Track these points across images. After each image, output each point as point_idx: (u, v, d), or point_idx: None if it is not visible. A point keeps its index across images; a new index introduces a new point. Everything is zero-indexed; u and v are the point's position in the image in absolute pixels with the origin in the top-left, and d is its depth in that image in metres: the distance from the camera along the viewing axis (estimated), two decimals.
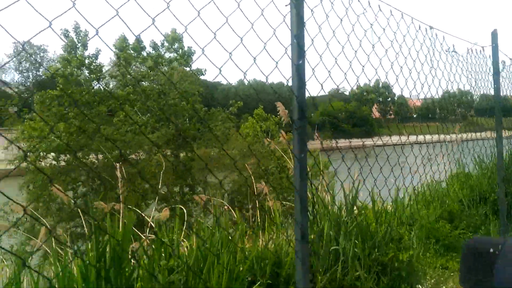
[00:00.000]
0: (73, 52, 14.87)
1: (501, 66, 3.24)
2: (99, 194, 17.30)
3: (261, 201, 5.33)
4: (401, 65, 3.51)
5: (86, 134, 15.82)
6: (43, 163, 16.26)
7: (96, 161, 17.26)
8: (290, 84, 2.37)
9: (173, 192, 19.01)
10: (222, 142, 21.08)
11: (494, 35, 2.90)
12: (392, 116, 77.17)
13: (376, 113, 75.74)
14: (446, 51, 2.75)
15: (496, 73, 3.01)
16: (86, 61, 15.48)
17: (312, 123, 73.81)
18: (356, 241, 3.46)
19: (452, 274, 4.02)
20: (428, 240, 4.54)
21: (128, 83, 17.45)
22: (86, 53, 15.54)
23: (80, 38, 15.32)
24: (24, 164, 15.89)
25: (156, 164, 16.78)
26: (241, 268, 2.65)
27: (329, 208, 3.66)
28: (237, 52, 2.03)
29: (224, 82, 66.99)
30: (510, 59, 3.73)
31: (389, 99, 76.22)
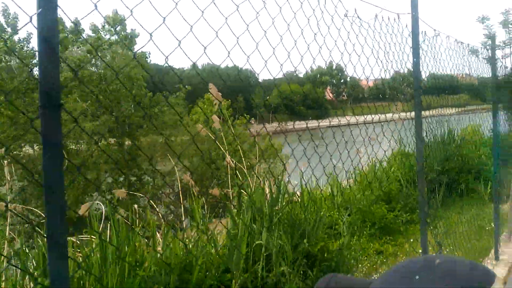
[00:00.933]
0: (1, 37, 13.58)
1: (421, 38, 2.95)
2: (37, 188, 16.27)
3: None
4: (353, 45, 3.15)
5: (19, 125, 14.69)
6: None
7: (33, 153, 16.16)
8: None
9: (118, 183, 18.19)
10: (171, 129, 20.42)
11: (414, 3, 2.59)
12: (345, 98, 78.68)
13: (329, 95, 76.89)
14: (345, 15, 2.38)
15: (416, 47, 2.72)
16: (17, 46, 14.19)
17: (268, 106, 74.06)
18: (281, 233, 3.15)
19: (385, 260, 3.83)
20: (364, 224, 4.35)
21: (65, 68, 16.29)
22: (17, 38, 14.24)
23: (8, 21, 14.02)
24: None
25: (97, 154, 15.92)
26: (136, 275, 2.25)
27: (254, 198, 3.33)
28: (189, 36, 1.83)
29: (176, 66, 65.38)
30: (434, 30, 3.46)
31: (342, 80, 77.53)
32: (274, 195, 3.25)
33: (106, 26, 17.40)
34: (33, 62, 14.71)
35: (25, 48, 14.50)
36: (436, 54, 3.95)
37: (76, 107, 16.58)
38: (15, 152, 15.07)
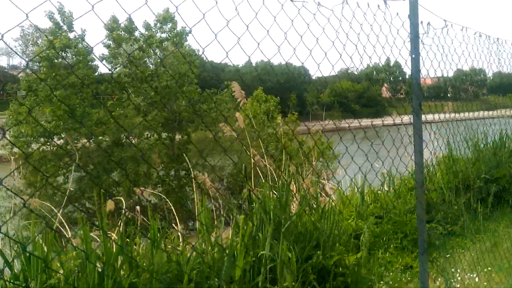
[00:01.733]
0: (57, 34, 14.33)
1: (422, 29, 2.54)
2: (93, 178, 17.04)
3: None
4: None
5: (75, 118, 15.42)
6: (34, 147, 15.98)
7: (89, 146, 16.93)
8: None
9: (169, 176, 18.62)
10: (220, 124, 20.48)
11: None
12: (403, 96, 75.68)
13: (386, 93, 74.33)
14: None
15: (415, 38, 2.31)
16: (73, 43, 14.91)
17: (322, 104, 72.96)
18: (289, 242, 2.93)
19: (411, 277, 3.47)
20: (395, 235, 3.99)
21: (119, 65, 16.92)
22: (72, 35, 14.96)
23: (65, 19, 14.74)
24: (16, 150, 15.64)
25: (148, 147, 16.36)
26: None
27: (267, 205, 3.12)
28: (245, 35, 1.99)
29: (230, 63, 66.25)
30: (444, 20, 2.94)
31: (400, 78, 74.60)
32: (284, 199, 3.03)
33: (158, 24, 17.81)
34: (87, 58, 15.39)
35: (80, 45, 15.19)
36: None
37: (130, 103, 17.17)
38: (73, 145, 15.84)
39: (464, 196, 4.82)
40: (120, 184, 16.66)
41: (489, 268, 3.33)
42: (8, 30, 1.90)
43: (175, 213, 4.41)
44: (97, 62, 16.36)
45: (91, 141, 16.72)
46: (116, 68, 16.73)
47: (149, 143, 16.42)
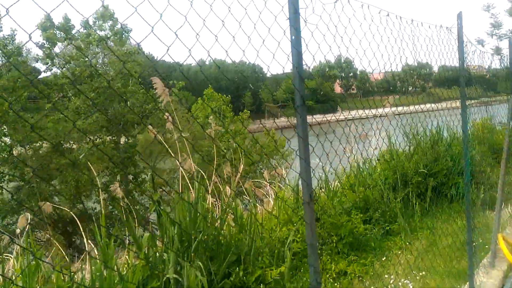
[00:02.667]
0: None
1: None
2: (32, 187, 15.92)
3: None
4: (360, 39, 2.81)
5: (8, 124, 14.28)
6: None
7: (25, 153, 15.77)
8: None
9: (113, 182, 17.74)
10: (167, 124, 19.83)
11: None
12: (354, 91, 77.51)
13: (338, 89, 75.84)
14: None
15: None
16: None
17: (276, 101, 73.36)
18: (205, 260, 2.55)
19: (350, 283, 3.19)
20: (330, 239, 3.71)
21: (56, 65, 15.86)
22: (0, 34, 13.80)
23: None
24: None
25: (90, 153, 15.45)
26: None
27: (178, 215, 2.72)
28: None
29: (185, 63, 65.01)
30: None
31: (351, 74, 76.36)
32: (192, 212, 2.64)
33: (98, 22, 16.89)
34: (18, 59, 14.28)
35: (10, 46, 14.06)
36: None
37: (68, 105, 16.18)
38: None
39: (403, 191, 4.64)
40: (60, 193, 15.67)
41: (424, 273, 3.10)
42: None
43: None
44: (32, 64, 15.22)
45: (26, 147, 15.57)
46: (51, 69, 15.67)
47: (89, 148, 15.51)
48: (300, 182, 4.90)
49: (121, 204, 4.31)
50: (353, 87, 75.95)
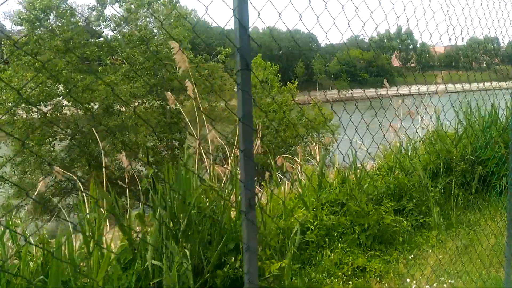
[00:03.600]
0: None
1: None
2: (81, 147, 16.53)
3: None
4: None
5: (61, 83, 14.75)
6: (20, 115, 15.44)
7: (76, 113, 16.35)
8: None
9: (158, 146, 18.08)
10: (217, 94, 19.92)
11: None
12: (413, 65, 73.61)
13: (396, 62, 72.33)
14: None
15: None
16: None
17: (329, 73, 71.44)
18: (196, 245, 2.29)
19: (367, 282, 2.83)
20: (352, 229, 3.34)
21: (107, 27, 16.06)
22: None
23: None
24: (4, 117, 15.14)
25: (136, 116, 15.71)
26: None
27: (170, 196, 2.46)
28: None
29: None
30: None
31: (411, 46, 72.37)
32: (183, 183, 2.37)
33: None
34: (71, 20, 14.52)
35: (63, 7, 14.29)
36: None
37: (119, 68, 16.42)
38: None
39: (444, 180, 4.12)
40: (108, 154, 16.18)
41: (454, 280, 2.67)
42: None
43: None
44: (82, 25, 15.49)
45: (77, 108, 16.11)
46: (102, 32, 15.88)
47: (139, 111, 15.77)
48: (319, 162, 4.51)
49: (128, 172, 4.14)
50: (412, 60, 72.06)
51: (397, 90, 3.54)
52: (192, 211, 2.37)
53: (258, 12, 1.60)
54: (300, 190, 3.93)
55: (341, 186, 4.03)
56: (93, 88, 15.68)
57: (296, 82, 23.10)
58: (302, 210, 3.22)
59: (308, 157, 7.15)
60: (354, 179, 4.17)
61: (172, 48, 3.93)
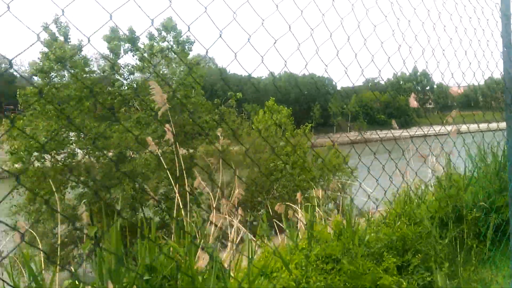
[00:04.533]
0: (53, 46, 13.89)
1: None
2: (95, 195, 16.44)
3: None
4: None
5: (75, 127, 14.89)
6: (36, 163, 15.55)
7: (88, 161, 16.39)
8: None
9: (171, 192, 17.85)
10: (230, 138, 19.79)
11: None
12: (432, 105, 73.16)
13: (413, 103, 72.02)
14: None
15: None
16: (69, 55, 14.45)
17: (346, 114, 71.48)
18: None
19: None
20: None
21: (120, 76, 16.39)
22: (68, 46, 14.50)
23: (61, 30, 14.33)
24: (18, 166, 15.27)
25: (148, 163, 15.62)
26: None
27: None
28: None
29: (255, 76, 66.08)
30: None
31: (428, 87, 72.24)
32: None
33: (162, 33, 17.26)
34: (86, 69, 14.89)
35: (77, 56, 14.73)
36: None
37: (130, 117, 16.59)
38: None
39: (454, 230, 3.69)
40: (118, 202, 16.02)
41: None
42: None
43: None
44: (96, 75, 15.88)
45: (90, 156, 16.18)
46: (116, 81, 16.20)
47: (150, 157, 15.72)
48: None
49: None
50: (430, 101, 71.65)
51: (409, 131, 3.39)
52: None
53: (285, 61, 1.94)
54: (290, 244, 3.56)
55: (338, 238, 3.64)
56: (106, 136, 15.81)
57: (310, 125, 22.95)
58: (283, 272, 2.84)
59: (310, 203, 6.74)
60: (349, 228, 3.78)
61: (152, 88, 3.73)
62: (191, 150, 18.65)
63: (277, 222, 4.91)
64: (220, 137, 4.11)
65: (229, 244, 4.39)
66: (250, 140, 20.51)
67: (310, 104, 68.71)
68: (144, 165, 14.92)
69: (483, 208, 3.83)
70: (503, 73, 3.40)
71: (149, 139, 4.26)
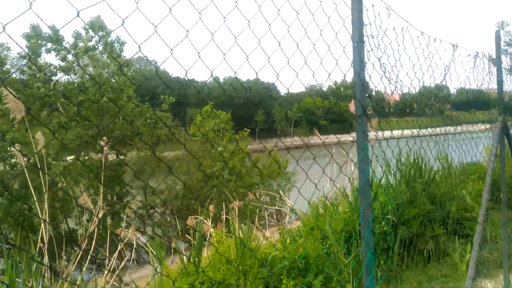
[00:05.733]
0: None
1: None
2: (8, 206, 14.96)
3: None
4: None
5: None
6: None
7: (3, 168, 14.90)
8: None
9: (95, 202, 16.72)
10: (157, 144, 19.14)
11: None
12: (370, 112, 75.92)
13: (353, 109, 74.38)
14: None
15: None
16: None
17: (289, 120, 72.48)
18: None
19: None
20: None
21: (40, 78, 15.05)
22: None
23: None
24: None
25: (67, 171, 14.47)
26: None
27: None
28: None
29: (198, 79, 65.00)
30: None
31: (367, 95, 74.95)
32: None
33: (89, 33, 16.17)
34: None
35: None
36: None
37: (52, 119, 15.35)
38: None
39: (359, 246, 3.38)
40: (35, 213, 14.68)
41: None
42: None
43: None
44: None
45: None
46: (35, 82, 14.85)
47: (67, 164, 14.57)
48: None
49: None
50: (368, 108, 74.39)
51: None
52: None
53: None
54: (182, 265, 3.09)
55: (240, 258, 3.21)
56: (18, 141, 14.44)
57: (248, 130, 22.64)
58: None
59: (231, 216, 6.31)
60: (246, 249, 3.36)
61: (6, 96, 3.08)
62: (121, 157, 17.57)
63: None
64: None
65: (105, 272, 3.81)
66: (189, 146, 19.74)
67: (255, 109, 68.90)
68: (64, 173, 13.75)
69: (390, 221, 3.56)
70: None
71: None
